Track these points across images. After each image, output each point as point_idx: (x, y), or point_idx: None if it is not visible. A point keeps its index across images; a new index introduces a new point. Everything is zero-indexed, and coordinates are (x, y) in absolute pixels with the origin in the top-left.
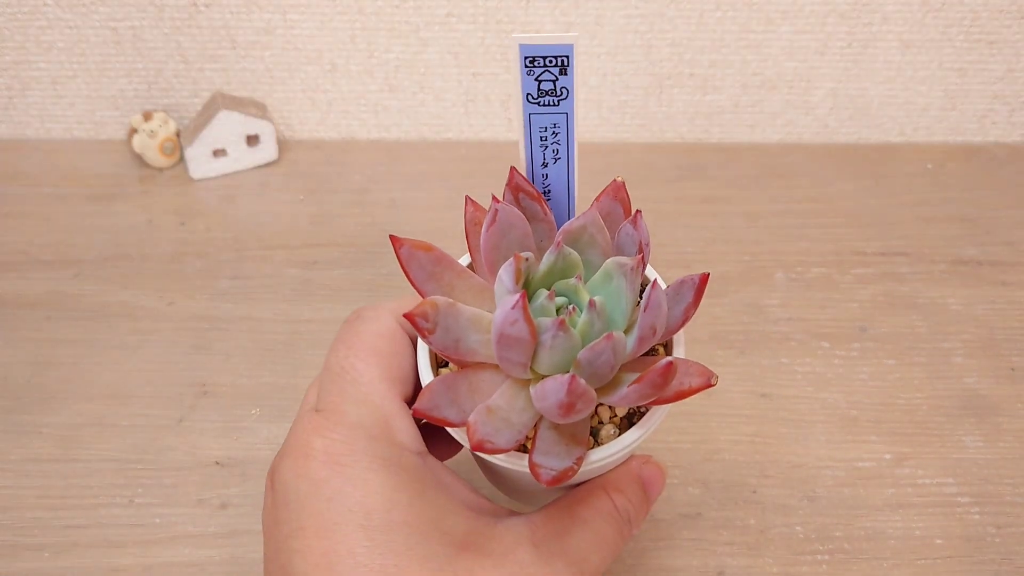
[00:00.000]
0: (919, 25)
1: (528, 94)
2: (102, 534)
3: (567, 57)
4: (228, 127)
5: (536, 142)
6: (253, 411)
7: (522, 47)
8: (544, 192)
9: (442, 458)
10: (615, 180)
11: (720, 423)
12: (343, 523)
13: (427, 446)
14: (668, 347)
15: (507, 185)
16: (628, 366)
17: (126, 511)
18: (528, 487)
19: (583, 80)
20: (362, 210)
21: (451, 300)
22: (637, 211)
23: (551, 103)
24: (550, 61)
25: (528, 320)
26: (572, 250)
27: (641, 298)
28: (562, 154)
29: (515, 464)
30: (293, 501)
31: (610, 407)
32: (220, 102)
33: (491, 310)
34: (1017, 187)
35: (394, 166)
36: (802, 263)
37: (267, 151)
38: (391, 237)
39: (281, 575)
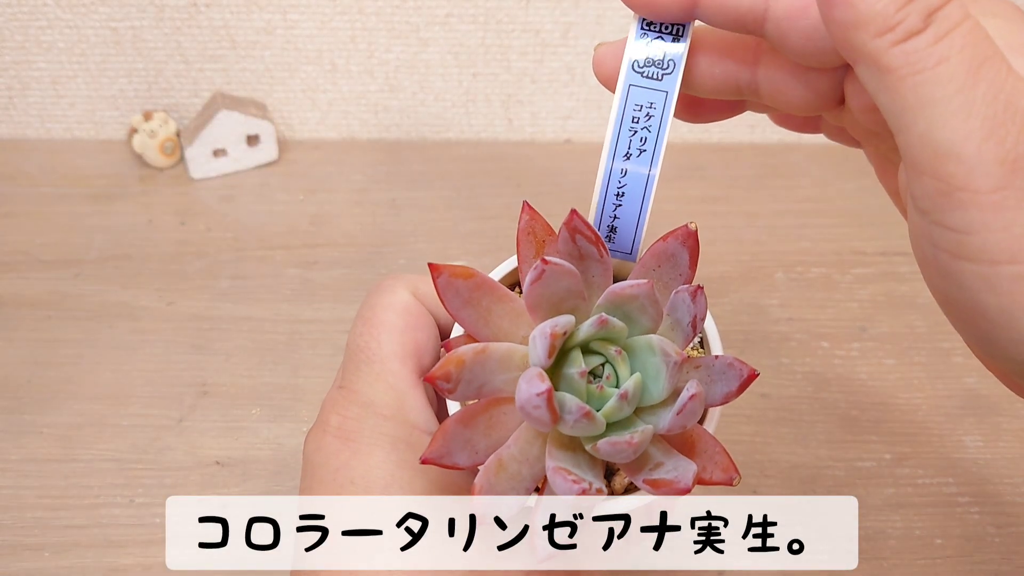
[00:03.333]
0: None
1: (634, 61)
2: (102, 534)
3: (684, 26)
4: (228, 127)
5: (626, 123)
6: (253, 411)
7: None
8: (618, 194)
9: None
10: (687, 225)
11: (720, 423)
12: (344, 494)
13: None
14: (703, 415)
15: (564, 224)
16: (659, 437)
17: (126, 511)
18: None
19: (583, 79)
20: (362, 210)
21: (481, 347)
22: (700, 287)
23: (654, 76)
24: (665, 28)
25: (551, 409)
26: (617, 321)
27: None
28: (648, 146)
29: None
30: (308, 471)
31: None
32: (220, 102)
33: (525, 338)
34: None
35: (394, 166)
36: (802, 263)
37: (267, 151)
38: (430, 265)
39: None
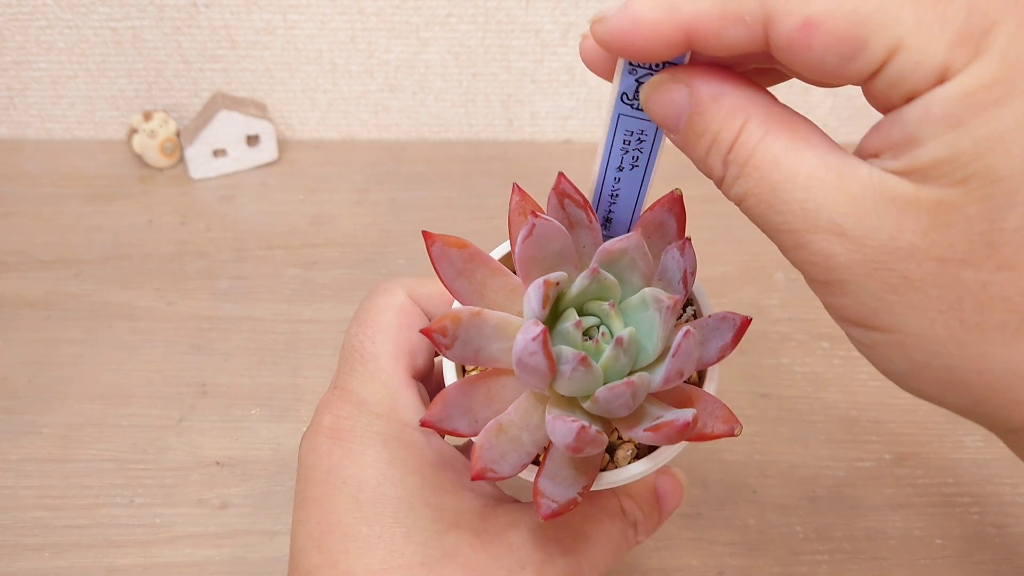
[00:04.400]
0: None
1: (624, 94)
2: (102, 534)
3: (676, 63)
4: (228, 127)
5: (618, 144)
6: (253, 411)
7: None
8: (612, 195)
9: None
10: (673, 192)
11: None
12: (337, 494)
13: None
14: (702, 376)
15: (553, 190)
16: (655, 395)
17: (126, 511)
18: None
19: (583, 79)
20: (362, 210)
21: (477, 309)
22: (687, 239)
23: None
24: (657, 64)
25: (547, 355)
26: (609, 274)
27: (682, 313)
28: (641, 163)
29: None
30: (303, 473)
31: None
32: (220, 102)
33: (521, 312)
34: None
35: (394, 166)
36: None
37: (267, 151)
38: (424, 233)
39: (291, 540)
